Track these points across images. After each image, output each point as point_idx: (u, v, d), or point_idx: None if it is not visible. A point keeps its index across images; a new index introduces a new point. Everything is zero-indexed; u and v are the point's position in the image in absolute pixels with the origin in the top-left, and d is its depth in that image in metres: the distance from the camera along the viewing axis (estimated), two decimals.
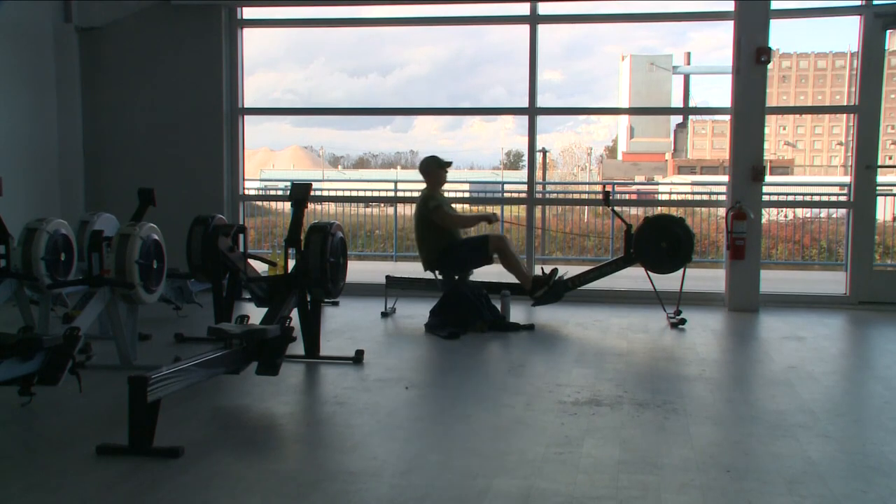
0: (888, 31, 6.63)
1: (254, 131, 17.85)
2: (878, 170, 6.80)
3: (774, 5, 6.56)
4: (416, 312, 6.02)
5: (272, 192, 13.74)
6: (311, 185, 4.81)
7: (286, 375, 4.15)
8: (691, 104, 53.30)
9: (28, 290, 4.92)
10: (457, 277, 6.02)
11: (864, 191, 6.75)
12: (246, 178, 7.79)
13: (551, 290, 6.01)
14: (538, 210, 7.42)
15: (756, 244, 6.66)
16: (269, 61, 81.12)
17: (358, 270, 7.63)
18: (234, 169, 7.53)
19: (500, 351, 5.06)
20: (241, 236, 5.32)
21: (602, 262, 6.42)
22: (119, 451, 2.94)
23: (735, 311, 6.50)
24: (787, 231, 11.03)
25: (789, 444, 3.16)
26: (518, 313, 6.03)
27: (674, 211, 10.16)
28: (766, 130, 7.09)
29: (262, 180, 19.32)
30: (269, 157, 52.90)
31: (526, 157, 7.36)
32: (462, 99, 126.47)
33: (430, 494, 2.63)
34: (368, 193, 15.03)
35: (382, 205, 13.31)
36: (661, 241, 5.90)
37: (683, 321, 5.74)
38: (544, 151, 30.50)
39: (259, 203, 12.17)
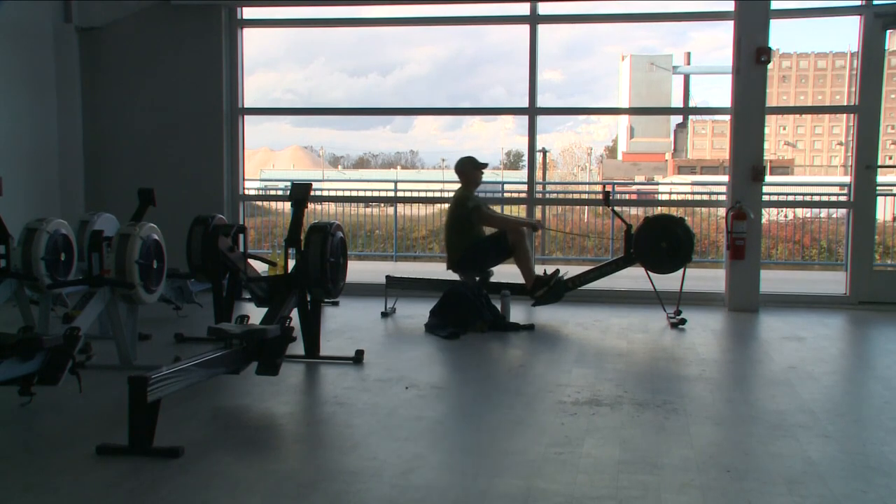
0: (888, 31, 6.62)
1: (254, 131, 17.86)
2: (878, 170, 6.80)
3: (774, 5, 6.56)
4: (416, 312, 6.02)
5: (272, 192, 13.74)
6: (311, 185, 4.81)
7: (286, 375, 4.15)
8: (691, 104, 53.45)
9: (28, 290, 4.92)
10: (477, 279, 6.04)
11: (864, 191, 6.75)
12: (246, 178, 7.78)
13: (551, 291, 6.02)
14: (538, 210, 7.42)
15: (756, 244, 6.66)
16: (269, 61, 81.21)
17: (358, 270, 7.63)
18: (234, 169, 7.53)
19: (500, 351, 5.06)
20: (241, 236, 5.32)
21: (602, 262, 6.42)
22: (119, 451, 2.94)
23: (735, 311, 6.50)
24: (787, 231, 11.04)
25: (789, 444, 3.16)
26: (518, 313, 6.03)
27: (674, 211, 10.16)
28: (766, 130, 7.09)
29: (262, 180, 19.33)
30: (269, 157, 52.92)
31: (526, 157, 7.36)
32: (462, 99, 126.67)
33: (430, 494, 2.63)
34: (368, 193, 15.06)
35: (382, 205, 13.32)
36: (661, 241, 5.90)
37: (683, 321, 5.74)
38: (544, 151, 30.56)
39: (259, 203, 12.18)
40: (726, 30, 6.71)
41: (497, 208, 6.82)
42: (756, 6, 6.51)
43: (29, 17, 7.12)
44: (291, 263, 4.81)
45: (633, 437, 3.24)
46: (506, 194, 13.14)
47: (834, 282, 7.70)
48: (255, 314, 4.45)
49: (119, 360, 4.36)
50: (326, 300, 5.52)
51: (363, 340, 5.14)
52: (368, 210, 13.56)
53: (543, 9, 7.13)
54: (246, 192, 7.86)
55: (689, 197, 16.21)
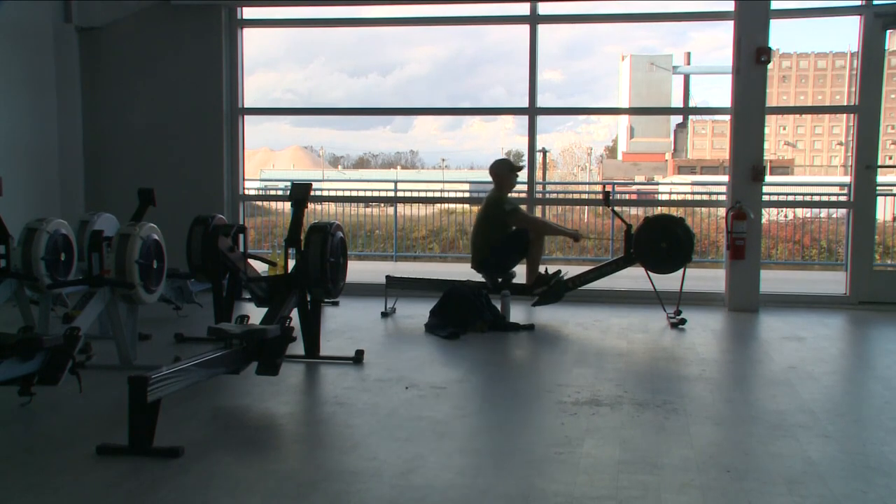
0: (888, 31, 6.63)
1: (254, 131, 17.88)
2: (878, 170, 6.80)
3: (774, 5, 6.56)
4: (416, 312, 6.02)
5: (272, 192, 13.75)
6: (311, 185, 4.81)
7: (286, 375, 4.15)
8: (691, 104, 53.46)
9: (28, 290, 4.91)
10: (500, 280, 6.06)
11: (864, 191, 6.75)
12: (246, 178, 7.78)
13: (551, 290, 6.02)
14: (538, 210, 7.41)
15: (756, 244, 6.66)
16: (269, 61, 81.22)
17: (358, 270, 7.63)
18: (234, 169, 7.53)
19: (500, 351, 5.06)
20: (241, 236, 5.31)
21: (602, 262, 6.42)
22: (119, 451, 2.94)
23: (735, 311, 6.50)
24: (787, 231, 11.04)
25: (789, 444, 3.16)
26: (518, 313, 6.03)
27: (674, 211, 10.16)
28: (766, 130, 7.09)
29: (262, 180, 19.34)
30: (269, 157, 52.92)
31: (526, 157, 7.36)
32: (462, 99, 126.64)
33: (430, 494, 2.63)
34: (368, 193, 15.07)
35: (382, 205, 13.32)
36: (661, 241, 5.90)
37: (683, 321, 5.74)
38: (544, 151, 30.58)
39: (259, 203, 12.18)
40: (726, 30, 6.72)
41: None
42: (756, 6, 6.51)
43: (29, 17, 7.12)
44: (291, 263, 4.81)
45: (633, 437, 3.24)
46: None
47: (834, 282, 7.70)
48: (255, 314, 4.45)
49: (119, 360, 4.36)
50: (326, 300, 5.52)
51: (363, 340, 5.14)
52: (368, 210, 13.56)
53: (543, 9, 7.13)
54: (246, 192, 7.86)
55: (689, 197, 16.22)
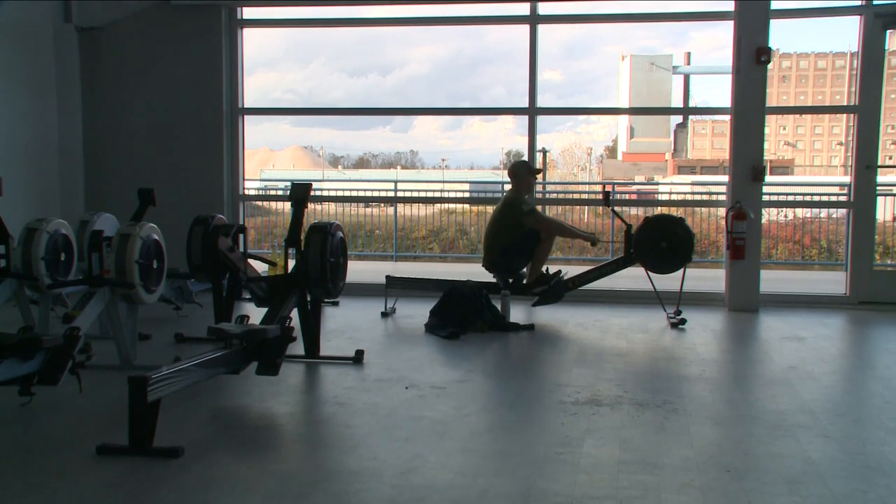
0: (888, 31, 6.62)
1: (254, 131, 17.86)
2: (878, 170, 6.80)
3: (774, 5, 6.56)
4: (416, 312, 6.02)
5: (272, 192, 13.74)
6: (311, 185, 4.81)
7: (286, 375, 4.15)
8: (691, 104, 53.46)
9: (28, 290, 4.91)
10: (511, 281, 6.07)
11: (864, 191, 6.75)
12: (246, 178, 7.78)
13: (551, 290, 6.02)
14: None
15: (756, 244, 6.66)
16: (269, 61, 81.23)
17: (358, 270, 7.63)
18: (234, 169, 7.53)
19: (500, 351, 5.06)
20: (241, 236, 5.31)
21: (602, 262, 6.43)
22: (119, 451, 2.94)
23: (735, 311, 6.49)
24: (787, 231, 11.04)
25: (789, 444, 3.16)
26: (518, 313, 6.03)
27: (674, 211, 10.16)
28: (766, 130, 7.09)
29: (262, 180, 19.34)
30: (269, 157, 52.92)
31: (526, 157, 7.36)
32: (462, 99, 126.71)
33: (430, 494, 2.63)
34: (368, 193, 15.06)
35: (382, 205, 13.32)
36: (661, 241, 5.90)
37: (683, 321, 5.74)
38: (544, 151, 30.49)
39: (259, 203, 12.18)
40: (726, 30, 6.71)
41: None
42: (756, 6, 6.51)
43: (29, 17, 7.12)
44: (291, 263, 4.81)
45: (633, 437, 3.24)
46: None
47: (834, 282, 7.70)
48: (255, 314, 4.45)
49: (119, 360, 4.36)
50: (326, 300, 5.52)
51: (363, 340, 5.14)
52: (368, 210, 13.57)
53: (543, 9, 7.13)
54: (246, 191, 7.86)
55: (689, 197, 16.21)
